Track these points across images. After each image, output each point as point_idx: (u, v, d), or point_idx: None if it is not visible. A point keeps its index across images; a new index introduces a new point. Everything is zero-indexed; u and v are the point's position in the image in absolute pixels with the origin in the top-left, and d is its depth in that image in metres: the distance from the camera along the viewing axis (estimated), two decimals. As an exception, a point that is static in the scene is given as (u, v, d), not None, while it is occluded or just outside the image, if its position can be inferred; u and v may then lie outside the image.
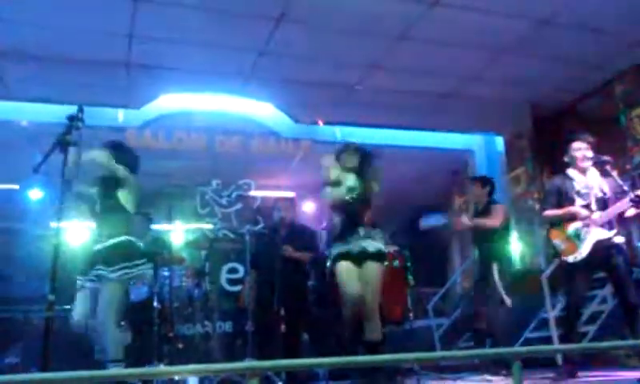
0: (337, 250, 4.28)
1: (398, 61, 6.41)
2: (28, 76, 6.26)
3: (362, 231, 4.26)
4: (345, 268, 4.17)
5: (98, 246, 4.02)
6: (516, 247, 8.32)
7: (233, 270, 7.31)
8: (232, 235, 7.62)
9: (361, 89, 6.85)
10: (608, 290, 5.76)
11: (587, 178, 4.49)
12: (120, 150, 4.25)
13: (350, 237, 4.25)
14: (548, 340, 5.89)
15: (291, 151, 8.21)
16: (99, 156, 4.10)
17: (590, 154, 4.51)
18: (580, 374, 4.27)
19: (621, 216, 4.34)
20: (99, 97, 6.67)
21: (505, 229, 5.62)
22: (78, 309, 3.91)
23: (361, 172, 4.39)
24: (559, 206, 4.51)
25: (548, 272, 6.14)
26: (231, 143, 7.90)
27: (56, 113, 5.74)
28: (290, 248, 5.43)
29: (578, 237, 4.36)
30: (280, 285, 5.13)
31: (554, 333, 5.81)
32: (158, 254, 5.28)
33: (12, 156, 6.60)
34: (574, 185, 4.48)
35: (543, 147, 7.79)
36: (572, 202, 4.44)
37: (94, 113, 5.47)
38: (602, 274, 4.68)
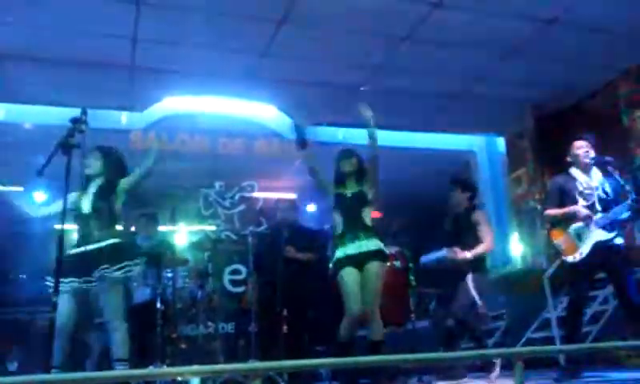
0: (338, 253, 4.32)
1: (400, 62, 6.42)
2: (32, 79, 6.29)
3: (362, 232, 4.29)
4: (347, 277, 4.19)
5: (91, 247, 3.95)
6: (517, 247, 8.33)
7: (236, 272, 7.34)
8: (235, 237, 7.66)
9: (367, 90, 6.86)
10: (609, 290, 5.76)
11: (590, 178, 4.51)
12: (109, 154, 4.25)
13: (350, 238, 4.29)
14: (550, 340, 5.89)
15: (294, 153, 8.22)
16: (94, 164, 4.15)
17: (593, 153, 4.53)
18: (582, 374, 4.28)
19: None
20: (103, 99, 6.70)
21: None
22: (64, 311, 3.73)
23: (360, 174, 4.45)
24: (561, 205, 4.52)
25: (550, 272, 6.15)
26: (234, 145, 7.92)
27: (60, 115, 5.78)
28: (293, 249, 5.46)
29: (578, 237, 4.37)
30: (282, 286, 5.16)
31: (557, 333, 5.82)
32: (161, 254, 5.30)
33: (17, 158, 6.64)
34: (576, 185, 4.49)
35: (545, 148, 7.79)
36: (575, 202, 4.45)
37: (97, 115, 5.51)
38: (603, 275, 4.69)
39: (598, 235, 4.31)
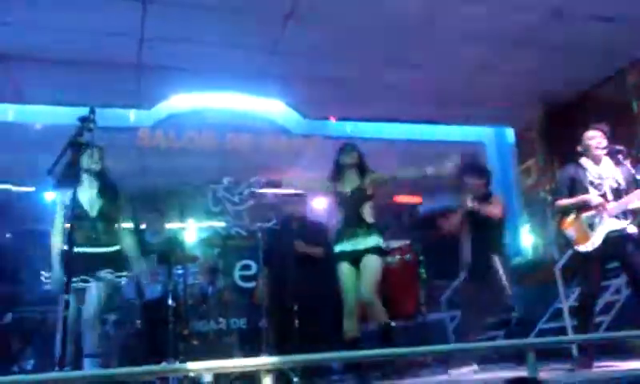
0: (336, 248, 4.36)
1: (409, 55, 6.39)
2: (38, 80, 6.32)
3: (360, 229, 4.30)
4: (342, 273, 4.24)
5: (98, 250, 4.11)
6: (527, 239, 8.29)
7: (246, 267, 7.35)
8: (244, 232, 7.67)
9: (374, 82, 6.83)
10: (622, 280, 5.72)
11: (601, 168, 4.47)
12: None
13: (348, 234, 4.31)
14: (562, 331, 5.86)
15: (302, 148, 8.22)
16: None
17: (605, 142, 4.48)
18: (595, 364, 4.26)
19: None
20: (111, 98, 6.72)
21: (503, 220, 5.37)
22: (73, 309, 3.82)
23: (361, 169, 4.45)
24: (572, 195, 4.48)
25: (561, 263, 6.11)
26: (242, 141, 7.93)
27: (68, 115, 5.80)
28: (302, 243, 5.45)
29: (590, 226, 4.34)
30: (293, 280, 5.17)
31: (569, 323, 5.78)
32: (171, 251, 5.32)
33: (27, 158, 6.68)
34: (587, 175, 4.45)
35: (554, 138, 7.74)
36: (586, 192, 4.41)
37: (105, 114, 5.53)
38: (615, 264, 4.66)
39: (610, 224, 4.28)
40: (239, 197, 8.18)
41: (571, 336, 5.29)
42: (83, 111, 3.69)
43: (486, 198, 5.19)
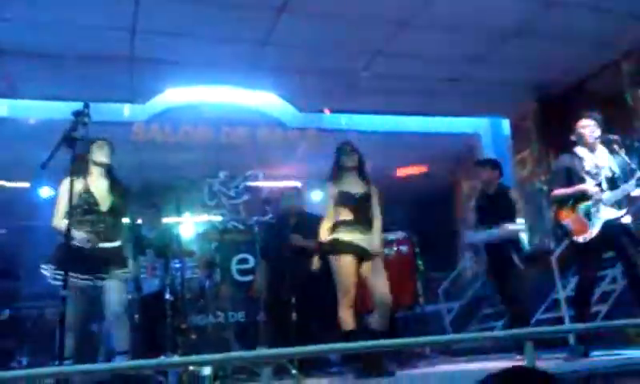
0: (344, 237, 4.30)
1: (402, 46, 6.38)
2: (33, 74, 6.28)
3: (369, 231, 4.30)
4: (347, 264, 4.22)
5: (106, 245, 4.07)
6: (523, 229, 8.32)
7: (243, 261, 7.34)
8: (241, 226, 7.66)
9: (367, 75, 6.82)
10: (618, 270, 5.75)
11: (596, 157, 4.45)
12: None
13: (358, 229, 4.29)
14: (559, 320, 5.89)
15: (297, 140, 8.21)
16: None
17: (598, 131, 4.47)
18: (591, 353, 4.27)
19: (629, 195, 4.32)
20: (105, 92, 6.70)
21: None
22: (74, 305, 3.73)
23: (361, 170, 4.45)
24: (568, 185, 4.46)
25: (557, 253, 6.13)
26: (237, 134, 7.91)
27: (62, 109, 5.77)
28: (299, 237, 5.45)
29: (587, 216, 4.33)
30: (290, 274, 5.16)
31: (566, 313, 5.81)
32: (168, 246, 5.32)
33: (21, 154, 6.65)
34: (583, 164, 4.43)
35: (549, 129, 7.76)
36: (582, 182, 4.39)
37: (100, 108, 5.51)
38: (611, 254, 4.67)
39: (607, 213, 4.27)
40: (235, 190, 8.18)
41: (568, 325, 5.31)
42: (77, 106, 3.67)
43: (497, 191, 5.30)
